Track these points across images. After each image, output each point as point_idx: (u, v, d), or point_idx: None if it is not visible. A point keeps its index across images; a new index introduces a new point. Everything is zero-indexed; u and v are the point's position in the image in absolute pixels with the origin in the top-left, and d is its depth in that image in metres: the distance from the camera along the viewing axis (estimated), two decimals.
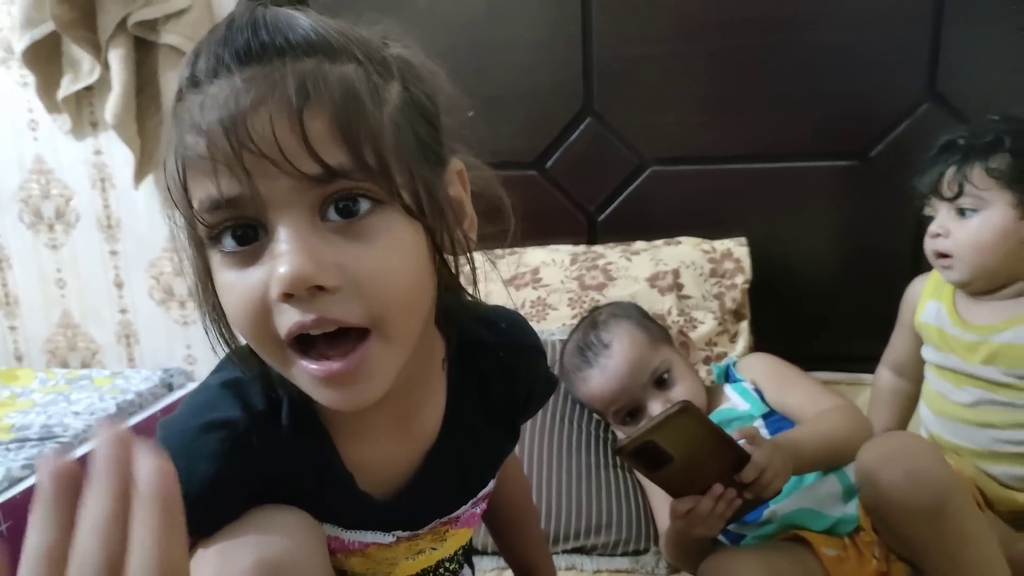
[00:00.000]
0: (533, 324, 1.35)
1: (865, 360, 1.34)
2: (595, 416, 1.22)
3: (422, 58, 0.54)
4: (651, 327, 1.16)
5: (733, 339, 1.40)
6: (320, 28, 0.48)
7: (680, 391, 1.09)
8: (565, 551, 1.09)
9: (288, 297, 0.45)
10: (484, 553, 1.07)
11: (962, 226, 1.03)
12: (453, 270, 0.55)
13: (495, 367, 0.66)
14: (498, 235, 0.59)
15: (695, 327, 1.37)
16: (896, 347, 1.21)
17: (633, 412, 1.12)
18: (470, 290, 0.60)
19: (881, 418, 1.21)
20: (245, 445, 0.54)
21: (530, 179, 1.56)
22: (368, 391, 0.49)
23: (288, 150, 0.44)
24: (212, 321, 0.54)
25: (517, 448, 1.12)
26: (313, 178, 0.45)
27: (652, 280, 1.40)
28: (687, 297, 1.39)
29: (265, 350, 0.50)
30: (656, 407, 1.08)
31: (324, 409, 0.56)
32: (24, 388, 1.73)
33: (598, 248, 1.50)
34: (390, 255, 0.48)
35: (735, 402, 1.10)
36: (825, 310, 1.51)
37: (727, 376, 1.16)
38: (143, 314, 1.95)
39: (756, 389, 1.10)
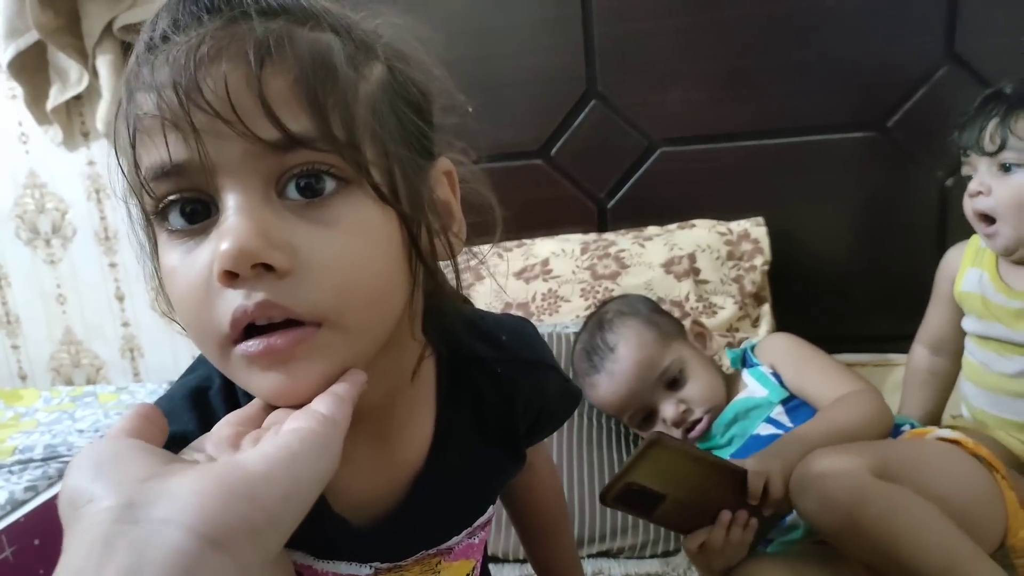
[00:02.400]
0: (545, 317, 1.34)
1: (892, 340, 1.29)
2: None
3: (420, 53, 0.49)
4: (661, 322, 1.11)
5: (755, 323, 1.35)
6: None
7: (694, 389, 1.04)
8: (591, 555, 1.04)
9: (231, 278, 0.39)
10: (505, 561, 1.02)
11: (1005, 182, 0.96)
12: (435, 273, 0.48)
13: (491, 384, 0.59)
14: (489, 231, 0.53)
15: (715, 313, 1.32)
16: (932, 322, 1.15)
17: (648, 416, 1.07)
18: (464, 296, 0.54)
19: (918, 399, 1.16)
20: None
21: (536, 168, 1.51)
22: (309, 375, 0.41)
23: (243, 109, 0.39)
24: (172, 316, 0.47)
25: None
26: (270, 144, 0.39)
27: (667, 266, 1.34)
28: (705, 282, 1.34)
29: (208, 347, 0.43)
30: (669, 409, 1.04)
31: None
32: (28, 408, 1.69)
33: (609, 236, 1.45)
34: (352, 241, 0.42)
35: (752, 389, 1.05)
36: (849, 289, 1.45)
37: (744, 361, 1.11)
38: (146, 327, 1.91)
39: (774, 373, 1.05)
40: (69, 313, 1.93)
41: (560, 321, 1.33)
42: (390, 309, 0.45)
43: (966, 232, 1.09)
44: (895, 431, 0.98)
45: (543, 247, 1.45)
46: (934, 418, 1.15)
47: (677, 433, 1.04)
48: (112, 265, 1.88)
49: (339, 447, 0.40)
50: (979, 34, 1.30)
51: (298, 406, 0.41)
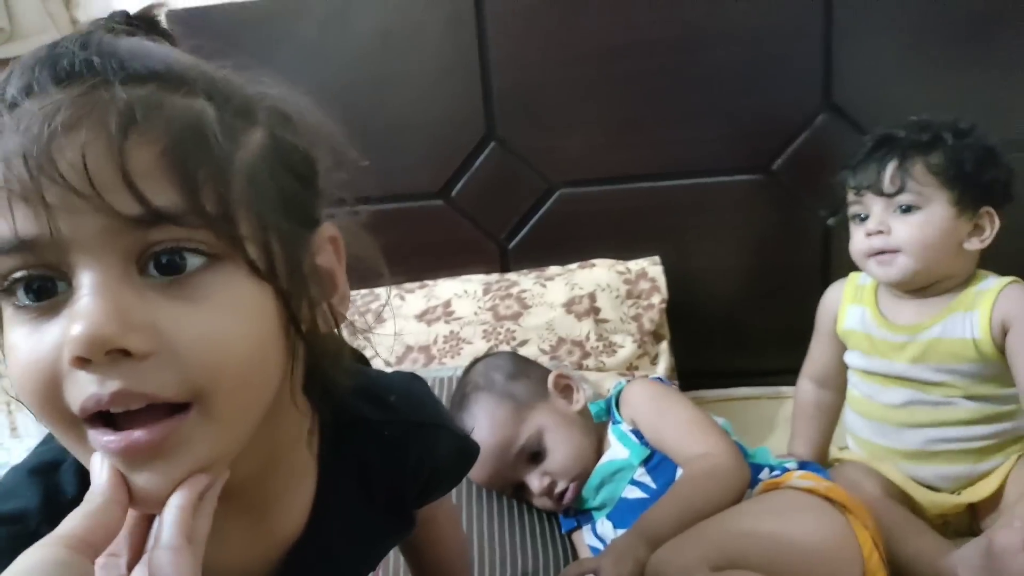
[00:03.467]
0: (447, 360, 1.33)
1: (783, 373, 1.34)
2: None
3: (308, 112, 0.47)
4: (517, 390, 1.07)
5: (654, 361, 1.38)
6: (169, 57, 0.41)
7: (556, 460, 1.03)
8: None
9: (83, 363, 0.36)
10: None
11: (904, 222, 1.01)
12: (315, 345, 0.46)
13: (377, 448, 0.57)
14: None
15: (615, 352, 1.34)
16: (816, 358, 1.19)
17: (518, 489, 1.07)
18: (348, 359, 0.51)
19: (806, 434, 1.19)
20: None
21: (436, 209, 1.51)
22: (174, 473, 0.39)
23: (100, 182, 0.36)
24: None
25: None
26: (131, 219, 0.37)
27: (568, 306, 1.36)
28: (605, 321, 1.36)
29: (57, 429, 0.40)
30: (535, 482, 1.03)
31: None
32: None
33: (511, 276, 1.46)
34: (222, 318, 0.39)
35: (615, 450, 1.04)
36: (742, 325, 1.50)
37: (609, 411, 1.10)
38: None
39: (634, 430, 1.05)
40: None
41: (462, 364, 1.31)
42: (263, 390, 0.43)
43: (848, 269, 1.15)
44: (753, 477, 0.98)
45: (445, 288, 1.44)
46: (822, 450, 1.18)
47: (549, 502, 1.04)
48: None
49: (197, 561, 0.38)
50: (853, 85, 1.39)
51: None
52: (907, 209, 1.01)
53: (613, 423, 1.08)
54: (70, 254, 0.37)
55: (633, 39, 1.41)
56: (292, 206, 0.44)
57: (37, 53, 0.39)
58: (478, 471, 1.02)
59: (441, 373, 1.27)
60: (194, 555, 0.38)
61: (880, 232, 1.02)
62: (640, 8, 1.40)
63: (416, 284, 1.46)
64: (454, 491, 1.08)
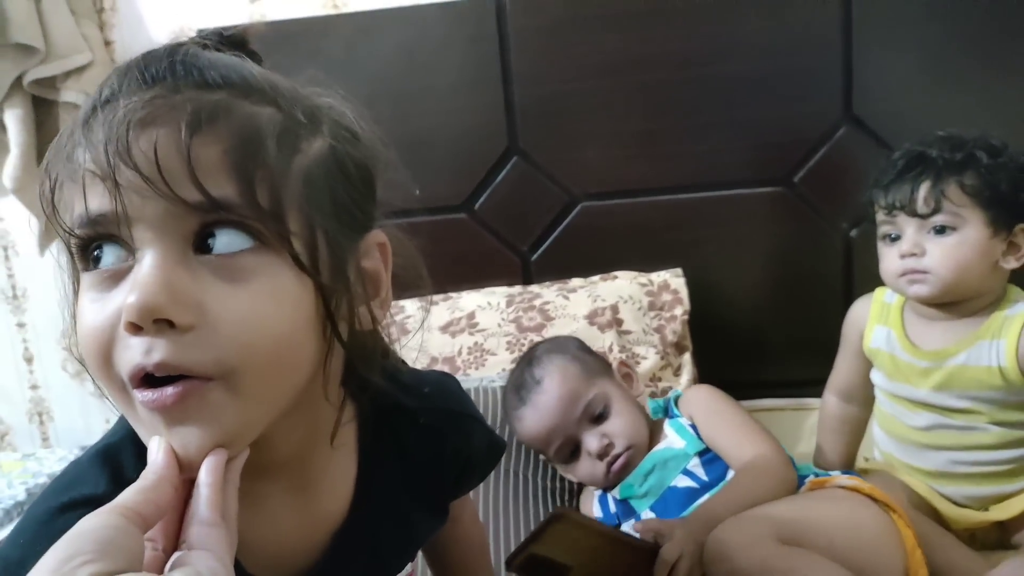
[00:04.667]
0: (471, 371, 1.34)
1: (806, 384, 1.35)
2: (539, 465, 1.18)
3: (368, 133, 0.52)
4: (587, 360, 1.14)
5: (677, 372, 1.38)
6: (244, 69, 0.46)
7: (617, 424, 1.07)
8: None
9: (135, 329, 0.41)
10: None
11: (939, 244, 0.99)
12: (353, 342, 0.49)
13: (415, 435, 0.60)
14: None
15: (638, 363, 1.34)
16: (842, 372, 1.18)
17: (574, 450, 1.09)
18: (389, 355, 0.55)
19: (832, 445, 1.19)
20: None
21: (460, 222, 1.53)
22: (199, 437, 0.42)
23: (169, 171, 0.41)
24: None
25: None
26: (191, 205, 0.41)
27: (591, 317, 1.37)
28: (627, 332, 1.37)
29: (109, 390, 0.45)
30: (592, 441, 1.06)
31: None
32: None
33: (534, 288, 1.47)
34: (262, 301, 0.43)
35: (672, 440, 1.08)
36: (763, 336, 1.50)
37: (667, 411, 1.14)
38: (56, 389, 1.82)
39: (692, 425, 1.08)
40: None
41: (487, 375, 1.33)
42: (292, 375, 0.46)
43: (871, 281, 1.14)
44: (799, 481, 1.01)
45: (469, 300, 1.45)
46: (849, 461, 1.18)
47: (600, 466, 1.06)
48: (20, 325, 1.80)
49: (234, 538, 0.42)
50: (873, 97, 1.39)
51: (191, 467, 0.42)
52: (941, 230, 0.99)
53: (671, 417, 1.11)
54: (136, 230, 0.42)
55: (654, 53, 1.43)
56: (343, 210, 0.48)
57: (132, 59, 0.45)
58: (539, 424, 1.08)
59: (466, 384, 1.28)
60: (229, 531, 0.41)
61: (914, 254, 1.00)
62: (660, 22, 1.42)
63: (440, 296, 1.48)
64: (484, 499, 1.11)
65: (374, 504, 0.57)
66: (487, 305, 1.43)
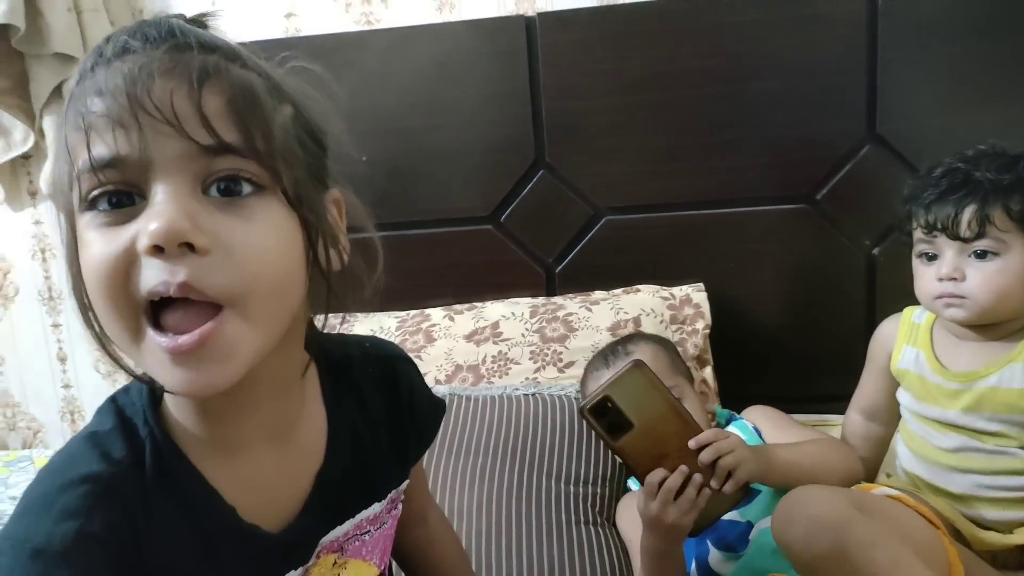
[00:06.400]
0: (496, 379, 1.36)
1: (827, 400, 1.35)
2: (562, 471, 1.19)
3: (319, 102, 0.57)
4: (676, 358, 1.20)
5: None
6: (227, 40, 0.53)
7: None
8: None
9: (158, 251, 0.45)
10: None
11: (980, 269, 0.97)
12: (327, 278, 0.55)
13: (370, 384, 0.67)
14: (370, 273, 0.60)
15: None
16: (867, 391, 1.18)
17: None
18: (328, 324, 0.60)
19: None
20: (111, 499, 0.51)
21: (486, 233, 1.55)
22: (220, 372, 0.48)
23: (183, 116, 0.46)
24: (81, 306, 0.51)
25: (472, 508, 1.07)
26: (203, 147, 0.47)
27: (613, 329, 1.39)
28: None
29: (118, 315, 0.48)
30: None
31: (191, 440, 0.55)
32: None
33: (558, 299, 1.49)
34: (265, 233, 0.49)
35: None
36: (784, 352, 1.51)
37: (729, 419, 1.18)
38: (89, 389, 1.86)
39: (755, 428, 1.11)
40: (7, 375, 1.88)
41: (510, 383, 1.36)
42: (290, 298, 0.52)
43: (893, 299, 1.15)
44: None
45: (494, 310, 1.48)
46: (870, 478, 1.17)
47: None
48: (55, 326, 1.85)
49: None
50: (897, 116, 1.41)
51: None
52: (982, 255, 0.97)
53: (734, 421, 1.15)
54: (151, 171, 0.47)
55: (679, 69, 1.45)
56: (311, 164, 0.54)
57: (123, 29, 0.50)
58: None
59: (489, 392, 1.31)
60: None
61: (953, 279, 0.98)
62: (686, 40, 1.44)
63: (465, 306, 1.50)
64: (505, 504, 1.12)
65: (345, 445, 0.63)
66: (511, 315, 1.46)
